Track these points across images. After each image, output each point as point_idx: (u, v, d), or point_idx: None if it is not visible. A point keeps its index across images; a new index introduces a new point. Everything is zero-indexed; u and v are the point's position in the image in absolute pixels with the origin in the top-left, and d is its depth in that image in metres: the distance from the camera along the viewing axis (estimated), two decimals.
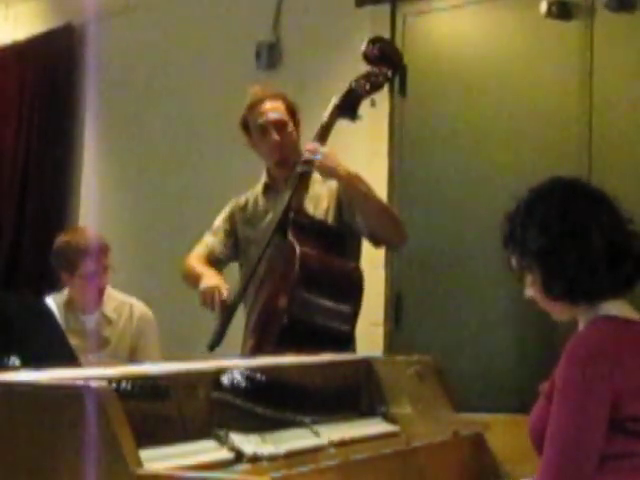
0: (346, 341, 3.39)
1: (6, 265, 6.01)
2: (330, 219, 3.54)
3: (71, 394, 1.90)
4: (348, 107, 3.47)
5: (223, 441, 2.17)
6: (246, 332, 3.53)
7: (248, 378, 2.35)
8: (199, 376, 2.31)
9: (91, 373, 2.28)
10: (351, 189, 3.42)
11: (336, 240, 3.46)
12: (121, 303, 4.28)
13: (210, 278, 3.50)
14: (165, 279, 4.87)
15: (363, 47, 3.47)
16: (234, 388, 2.32)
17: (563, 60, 4.17)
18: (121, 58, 5.70)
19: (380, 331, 4.53)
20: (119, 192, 5.75)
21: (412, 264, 4.51)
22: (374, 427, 2.61)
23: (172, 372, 2.29)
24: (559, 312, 2.22)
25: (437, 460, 2.56)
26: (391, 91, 4.32)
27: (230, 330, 3.43)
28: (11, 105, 6.16)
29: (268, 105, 3.58)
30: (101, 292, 4.19)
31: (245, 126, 3.65)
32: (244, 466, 2.12)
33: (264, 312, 3.42)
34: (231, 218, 3.73)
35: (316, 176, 3.57)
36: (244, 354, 3.43)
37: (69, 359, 3.15)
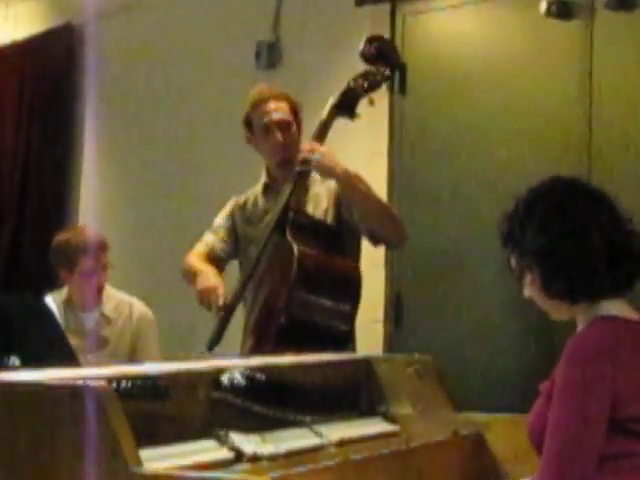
0: (345, 340, 3.39)
1: (6, 265, 6.01)
2: (329, 218, 3.54)
3: (71, 394, 1.90)
4: (346, 106, 3.47)
5: (223, 441, 2.16)
6: (245, 331, 3.54)
7: (248, 378, 2.35)
8: (199, 376, 2.31)
9: (91, 373, 2.28)
10: (349, 189, 3.42)
11: (335, 239, 3.46)
12: (121, 302, 4.28)
13: (207, 277, 3.49)
14: (165, 279, 4.87)
15: (361, 46, 3.47)
16: (234, 388, 2.32)
17: (563, 59, 4.17)
18: (121, 57, 5.70)
19: (380, 330, 4.53)
20: (119, 192, 5.75)
21: (412, 264, 4.51)
22: (374, 427, 2.61)
23: (172, 372, 2.28)
24: (558, 312, 2.22)
25: (437, 460, 2.56)
26: (391, 90, 4.32)
27: (229, 329, 3.43)
28: (11, 104, 6.16)
29: (272, 105, 3.58)
30: (100, 290, 4.20)
31: (248, 124, 3.65)
32: (244, 466, 2.12)
33: (263, 311, 3.42)
34: (231, 216, 3.73)
35: (316, 176, 3.57)
36: (243, 353, 3.43)
37: (69, 359, 3.15)
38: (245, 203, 3.73)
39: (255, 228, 3.64)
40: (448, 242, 4.43)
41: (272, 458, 2.18)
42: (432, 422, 2.68)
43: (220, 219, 3.76)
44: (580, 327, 2.18)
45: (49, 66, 6.00)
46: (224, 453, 2.14)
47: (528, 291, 2.22)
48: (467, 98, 4.42)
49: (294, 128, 3.60)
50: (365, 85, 3.46)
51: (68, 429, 1.88)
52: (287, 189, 3.47)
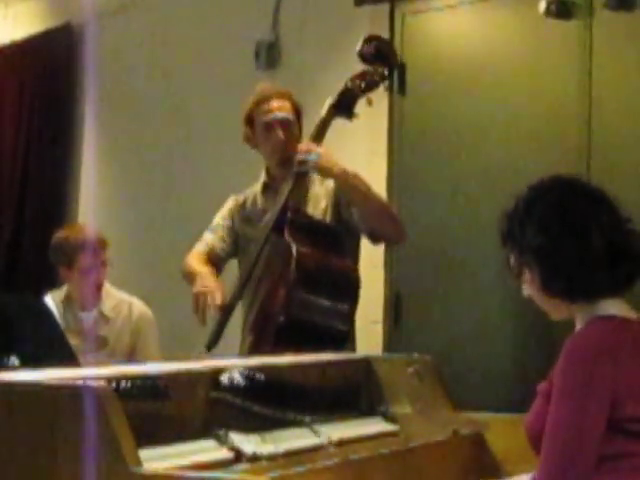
0: (343, 340, 3.39)
1: (6, 265, 6.01)
2: (328, 218, 3.54)
3: (70, 394, 1.90)
4: (344, 106, 3.47)
5: (223, 441, 2.16)
6: (244, 331, 3.54)
7: (248, 378, 2.35)
8: (198, 376, 2.31)
9: (90, 373, 2.28)
10: (348, 188, 3.42)
11: (334, 239, 3.46)
12: (120, 302, 4.29)
13: (205, 279, 3.47)
14: (165, 278, 4.87)
15: (358, 46, 3.47)
16: (234, 388, 2.32)
17: (562, 59, 4.17)
18: (120, 57, 5.70)
19: (379, 330, 4.54)
20: (118, 191, 5.75)
21: (411, 263, 4.51)
22: (373, 426, 2.61)
23: (171, 372, 2.28)
24: (557, 311, 2.22)
25: (437, 459, 2.56)
26: (390, 90, 4.32)
27: (228, 329, 3.43)
28: (10, 104, 6.16)
29: (275, 103, 3.58)
30: (99, 287, 4.21)
31: (249, 121, 3.64)
32: (244, 466, 2.12)
33: (262, 311, 3.42)
34: (230, 216, 3.73)
35: (315, 176, 3.58)
36: (242, 353, 3.43)
37: (68, 359, 3.15)
38: (244, 202, 3.73)
39: (254, 227, 3.64)
40: (448, 242, 4.43)
41: (272, 458, 2.18)
42: (432, 422, 2.69)
43: (219, 218, 3.75)
44: (579, 327, 2.17)
45: (48, 66, 6.00)
46: (224, 453, 2.14)
47: (527, 290, 2.22)
48: (466, 98, 4.42)
49: (296, 127, 3.60)
50: (363, 85, 3.46)
51: (68, 429, 1.88)
52: (286, 189, 3.47)
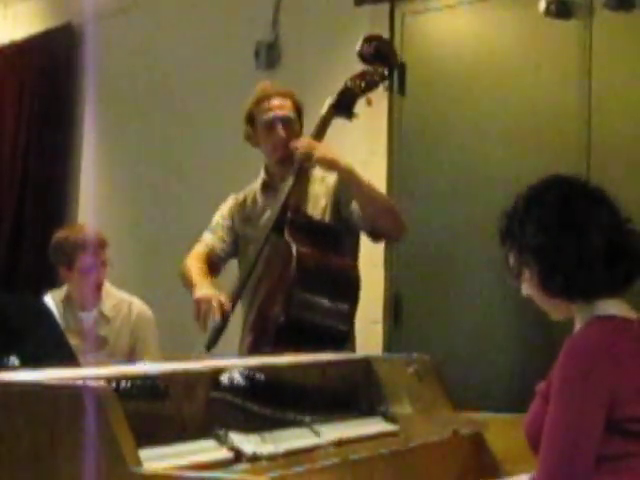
0: (343, 340, 3.39)
1: (6, 265, 6.01)
2: (328, 217, 3.54)
3: (70, 394, 1.90)
4: (344, 106, 3.47)
5: (222, 441, 2.16)
6: (244, 331, 3.54)
7: (247, 378, 2.35)
8: (198, 376, 2.31)
9: (90, 373, 2.28)
10: (352, 182, 3.42)
11: (334, 239, 3.46)
12: (120, 301, 4.29)
13: (204, 289, 3.46)
14: (165, 278, 4.86)
15: (358, 46, 3.47)
16: (233, 388, 2.32)
17: (562, 59, 4.17)
18: (120, 57, 5.70)
19: (379, 330, 4.53)
20: (118, 191, 5.75)
21: (411, 263, 4.51)
22: (373, 426, 2.61)
23: (171, 372, 2.29)
24: (556, 310, 2.22)
25: (436, 459, 2.56)
26: (390, 90, 4.32)
27: (228, 329, 3.43)
28: (10, 104, 6.16)
29: (276, 101, 3.59)
30: (99, 287, 4.21)
31: (250, 120, 3.65)
32: (243, 466, 2.12)
33: (262, 311, 3.42)
34: (230, 214, 3.73)
35: (314, 175, 3.58)
36: (241, 353, 3.43)
37: (68, 359, 3.15)
38: (244, 201, 3.73)
39: (254, 227, 3.64)
40: (447, 242, 4.43)
41: (271, 458, 2.18)
42: (431, 422, 2.69)
43: (219, 217, 3.75)
44: (578, 326, 2.17)
45: (48, 66, 6.00)
46: (223, 453, 2.14)
47: (526, 290, 2.22)
48: (466, 98, 4.42)
49: (297, 126, 3.61)
50: (362, 85, 3.46)
51: (67, 429, 1.88)
52: (286, 187, 3.47)
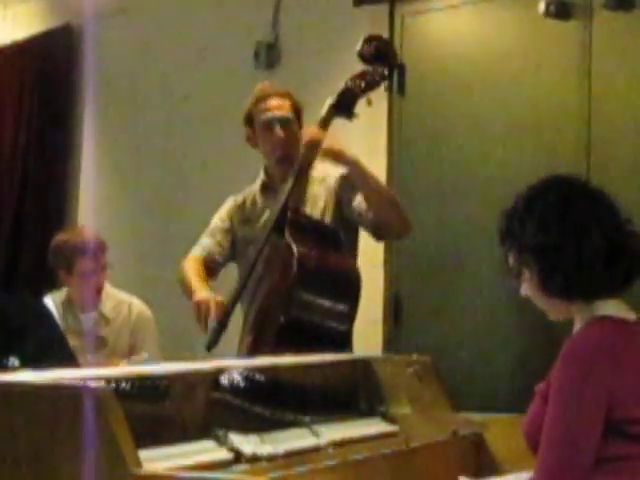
0: (344, 341, 3.38)
1: (6, 265, 6.01)
2: (327, 218, 3.54)
3: (70, 394, 1.90)
4: (344, 106, 3.47)
5: (222, 441, 2.17)
6: (243, 331, 3.53)
7: (247, 378, 2.35)
8: (198, 376, 2.31)
9: (90, 373, 2.28)
10: (359, 174, 3.41)
11: (334, 239, 3.46)
12: (120, 302, 4.29)
13: (202, 293, 3.46)
14: (165, 278, 4.86)
15: (358, 46, 3.47)
16: (233, 388, 2.32)
17: (561, 59, 4.17)
18: (119, 58, 5.70)
19: (379, 330, 4.53)
20: (118, 192, 5.75)
21: (411, 263, 4.51)
22: (373, 427, 2.61)
23: (171, 372, 2.29)
24: (555, 310, 2.22)
25: (436, 460, 2.56)
26: (389, 90, 4.31)
27: (228, 329, 3.43)
28: (10, 104, 6.16)
29: (274, 102, 3.59)
30: (99, 291, 4.21)
31: (249, 120, 3.64)
32: (243, 466, 2.12)
33: (262, 311, 3.42)
34: (229, 217, 3.73)
35: (314, 176, 3.58)
36: (241, 353, 3.43)
37: (68, 359, 3.15)
38: (244, 202, 3.72)
39: (253, 228, 3.64)
40: (447, 242, 4.43)
41: (271, 458, 2.18)
42: (431, 422, 2.69)
43: (217, 220, 3.75)
44: (577, 326, 2.17)
45: (48, 67, 6.00)
46: (223, 453, 2.14)
47: (526, 289, 2.22)
48: (466, 98, 4.43)
49: (295, 126, 3.61)
50: (362, 85, 3.46)
51: (67, 430, 1.88)
52: (286, 188, 3.47)
